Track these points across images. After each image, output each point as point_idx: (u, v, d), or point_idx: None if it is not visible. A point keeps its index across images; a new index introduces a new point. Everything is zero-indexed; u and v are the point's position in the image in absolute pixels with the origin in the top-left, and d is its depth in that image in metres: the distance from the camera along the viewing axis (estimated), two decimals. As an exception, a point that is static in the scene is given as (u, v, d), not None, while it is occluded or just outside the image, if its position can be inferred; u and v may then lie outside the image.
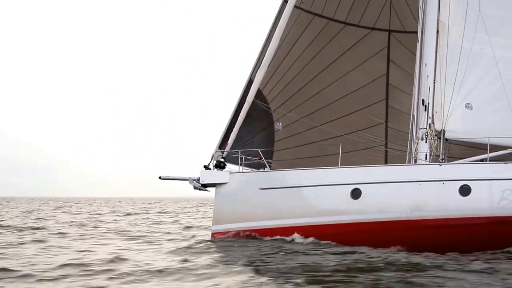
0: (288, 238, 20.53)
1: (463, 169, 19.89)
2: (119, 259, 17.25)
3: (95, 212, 58.41)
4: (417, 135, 21.62)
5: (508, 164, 19.77)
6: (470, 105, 21.94)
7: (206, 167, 22.22)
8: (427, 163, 20.87)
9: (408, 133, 22.26)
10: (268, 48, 22.93)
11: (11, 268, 15.04)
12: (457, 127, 21.82)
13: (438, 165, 20.06)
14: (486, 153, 21.14)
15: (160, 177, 23.21)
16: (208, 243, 20.94)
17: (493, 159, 20.97)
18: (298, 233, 20.48)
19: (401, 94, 24.65)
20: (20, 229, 29.91)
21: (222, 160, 22.27)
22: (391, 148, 24.97)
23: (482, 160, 20.82)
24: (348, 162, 23.25)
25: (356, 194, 20.06)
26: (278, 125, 24.20)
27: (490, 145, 21.19)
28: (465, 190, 19.22)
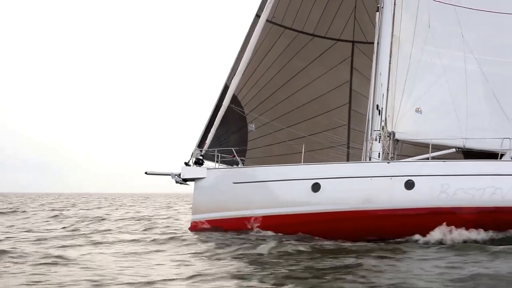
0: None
1: (408, 166, 22.55)
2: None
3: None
4: (372, 136, 24.22)
5: (447, 162, 22.53)
6: (420, 110, 24.61)
7: (187, 164, 24.75)
8: (378, 160, 23.54)
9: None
10: (243, 58, 25.50)
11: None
12: (408, 129, 24.47)
13: (386, 162, 22.77)
14: (437, 152, 24.05)
15: (146, 172, 25.90)
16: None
17: (438, 158, 23.77)
18: (265, 222, 23.14)
19: (362, 98, 27.03)
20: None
21: (201, 157, 24.79)
22: (353, 147, 27.56)
23: (426, 158, 23.49)
24: (314, 160, 25.93)
25: (316, 187, 22.55)
26: (251, 126, 26.79)
27: (439, 145, 24.07)
28: (409, 185, 21.80)
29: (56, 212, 45.46)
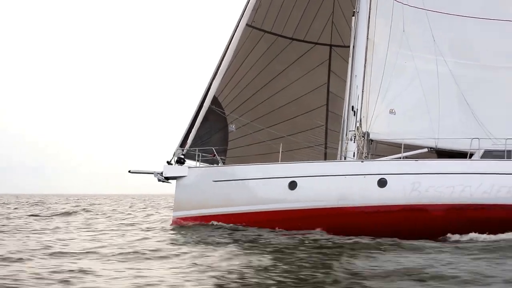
0: None
1: (381, 165, 23.56)
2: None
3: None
4: (347, 136, 25.19)
5: (418, 161, 23.54)
6: (393, 111, 25.56)
7: (169, 163, 25.69)
8: (353, 159, 24.47)
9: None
10: (223, 61, 26.47)
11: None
12: (382, 130, 25.42)
13: (360, 161, 23.73)
14: (411, 152, 24.99)
15: (129, 171, 26.75)
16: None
17: (411, 157, 24.71)
18: (244, 218, 24.01)
19: (340, 100, 27.83)
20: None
21: (182, 156, 25.79)
22: (330, 147, 28.47)
23: (399, 158, 24.43)
24: (294, 159, 26.87)
25: (292, 185, 23.54)
26: (232, 127, 27.69)
27: (412, 145, 25.02)
28: (382, 183, 22.81)
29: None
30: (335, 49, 29.20)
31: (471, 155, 23.91)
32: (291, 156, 27.10)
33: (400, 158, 24.16)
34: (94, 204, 70.49)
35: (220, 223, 24.39)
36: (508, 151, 23.33)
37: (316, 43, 29.13)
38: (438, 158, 25.52)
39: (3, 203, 73.24)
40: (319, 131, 29.11)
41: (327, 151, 28.85)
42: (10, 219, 34.34)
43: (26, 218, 35.97)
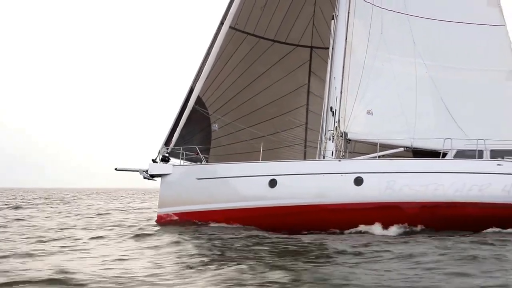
0: None
1: (357, 164, 24.42)
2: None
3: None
4: (326, 136, 26.05)
5: (393, 160, 24.46)
6: (371, 112, 26.43)
7: (154, 161, 26.41)
8: (331, 158, 25.34)
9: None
10: (207, 62, 27.14)
11: None
12: (360, 130, 26.25)
13: (338, 160, 24.61)
14: (387, 151, 25.89)
15: (116, 169, 27.51)
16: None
17: (388, 156, 25.61)
18: (226, 215, 24.84)
19: (320, 100, 28.59)
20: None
21: (167, 155, 26.50)
22: (310, 146, 29.34)
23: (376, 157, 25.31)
24: (275, 158, 27.77)
25: (272, 183, 24.31)
26: (215, 126, 28.48)
27: (390, 144, 25.92)
28: (358, 181, 23.64)
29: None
30: (316, 51, 30.09)
31: (445, 154, 24.81)
32: (272, 155, 27.98)
33: (376, 157, 25.00)
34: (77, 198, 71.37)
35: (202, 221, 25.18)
36: (480, 151, 24.26)
37: (297, 45, 30.02)
38: (414, 157, 26.41)
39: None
40: (299, 131, 30.00)
41: (307, 150, 29.72)
42: None
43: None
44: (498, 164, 23.61)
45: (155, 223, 26.45)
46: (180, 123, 26.95)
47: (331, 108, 26.24)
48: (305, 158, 29.51)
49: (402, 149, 26.09)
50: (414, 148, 26.19)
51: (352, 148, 26.99)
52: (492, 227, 22.95)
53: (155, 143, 27.15)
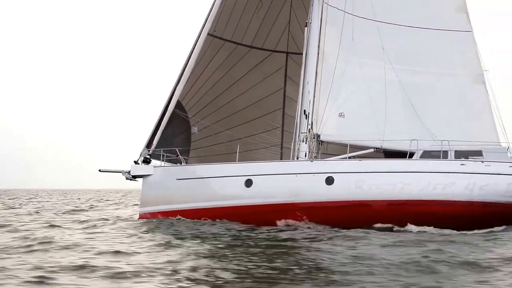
0: None
1: (328, 164, 25.61)
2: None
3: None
4: (299, 137, 27.28)
5: (362, 160, 25.64)
6: (343, 114, 27.65)
7: (136, 162, 27.56)
8: (304, 159, 26.56)
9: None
10: (186, 68, 28.32)
11: None
12: (332, 132, 27.44)
13: (310, 161, 25.85)
14: (358, 152, 27.06)
15: (99, 170, 28.62)
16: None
17: (359, 157, 26.76)
18: (204, 213, 26.01)
19: (295, 103, 29.65)
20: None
21: (148, 156, 27.66)
22: (286, 148, 30.54)
23: (350, 157, 26.48)
24: (252, 159, 28.99)
25: (248, 183, 25.50)
26: (194, 129, 29.75)
27: (362, 146, 27.09)
28: (329, 181, 24.81)
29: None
30: (291, 56, 31.34)
31: (412, 155, 26.03)
32: (249, 156, 29.23)
33: (346, 158, 26.20)
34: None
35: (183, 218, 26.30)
36: (444, 152, 25.43)
37: (274, 51, 31.32)
38: (385, 157, 27.59)
39: None
40: (275, 133, 31.28)
41: (284, 151, 30.96)
42: None
43: None
44: (461, 164, 24.72)
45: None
46: (161, 126, 28.07)
47: (304, 111, 27.43)
48: (281, 159, 30.71)
49: (372, 150, 27.24)
50: (384, 149, 27.36)
51: (325, 149, 28.14)
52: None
53: (139, 145, 28.24)
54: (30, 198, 77.72)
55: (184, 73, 28.32)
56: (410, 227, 23.75)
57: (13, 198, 77.18)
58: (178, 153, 27.58)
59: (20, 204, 53.25)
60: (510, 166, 24.74)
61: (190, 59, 28.33)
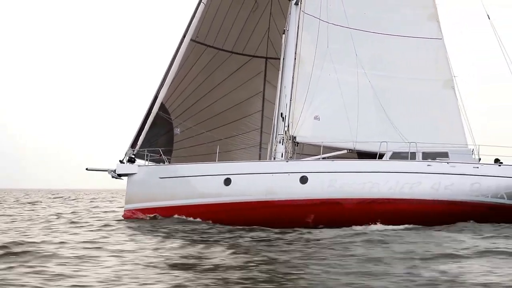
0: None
1: (303, 165, 26.92)
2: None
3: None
4: (276, 139, 28.64)
5: (334, 161, 27.00)
6: (318, 117, 28.96)
7: (121, 161, 28.70)
8: (280, 159, 27.89)
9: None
10: (170, 72, 29.53)
11: None
12: (308, 134, 28.80)
13: (285, 161, 27.20)
14: (333, 153, 28.34)
15: (87, 168, 29.82)
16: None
17: (333, 158, 28.05)
18: (186, 210, 27.26)
19: (273, 106, 30.96)
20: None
21: (133, 156, 28.81)
22: (264, 148, 31.75)
23: (324, 158, 27.78)
24: (232, 159, 30.35)
25: (227, 182, 26.77)
26: (177, 130, 31.07)
27: (333, 147, 28.40)
28: (304, 180, 26.13)
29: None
30: (270, 61, 32.78)
31: (382, 156, 27.42)
32: (229, 156, 30.62)
33: (319, 158, 27.50)
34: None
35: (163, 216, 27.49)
36: (412, 153, 26.85)
37: (254, 56, 32.76)
38: (359, 158, 28.90)
39: None
40: (255, 134, 32.67)
41: (262, 152, 32.30)
42: None
43: None
44: (428, 165, 26.14)
45: (122, 218, 28.73)
46: (145, 127, 29.26)
47: (281, 114, 28.82)
48: (260, 159, 32.05)
49: (345, 151, 28.55)
50: (356, 150, 28.73)
51: (301, 150, 29.49)
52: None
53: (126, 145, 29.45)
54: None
55: (168, 76, 29.51)
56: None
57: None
58: (161, 153, 28.75)
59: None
60: (473, 167, 26.14)
61: (174, 63, 29.53)
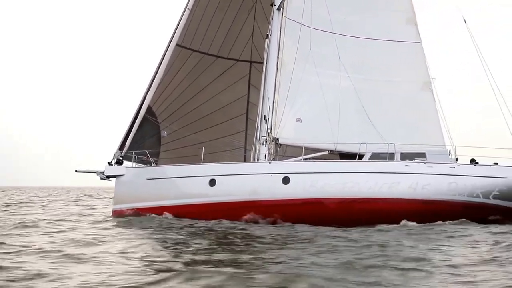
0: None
1: (285, 166, 27.68)
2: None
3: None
4: (260, 141, 29.47)
5: (316, 162, 27.73)
6: (300, 119, 29.78)
7: (109, 163, 29.46)
8: (263, 161, 28.70)
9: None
10: (156, 76, 30.37)
11: None
12: (290, 136, 29.61)
13: (268, 162, 28.03)
14: (315, 154, 29.12)
15: (76, 170, 30.56)
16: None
17: (315, 159, 28.84)
18: (172, 210, 27.98)
19: (257, 109, 32.05)
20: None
21: (121, 158, 29.57)
22: (249, 150, 32.39)
23: (306, 159, 28.57)
24: (217, 160, 31.09)
25: (212, 183, 27.56)
26: (164, 133, 31.89)
27: (315, 148, 29.20)
28: (286, 180, 26.92)
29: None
30: (255, 65, 33.67)
31: (362, 156, 28.25)
32: (214, 158, 31.39)
33: (301, 159, 28.32)
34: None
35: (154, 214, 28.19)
36: (391, 154, 27.63)
37: (238, 60, 33.66)
38: (341, 159, 29.68)
39: None
40: (240, 136, 33.50)
41: (247, 154, 33.10)
42: None
43: None
44: (406, 165, 26.88)
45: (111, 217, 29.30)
46: (132, 130, 30.07)
47: (264, 116, 29.61)
48: (245, 161, 32.86)
49: (326, 152, 29.39)
50: (338, 151, 29.54)
51: (284, 151, 30.31)
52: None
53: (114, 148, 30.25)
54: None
55: (155, 80, 30.34)
56: None
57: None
58: (148, 155, 29.56)
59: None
60: (450, 167, 26.97)
61: (160, 67, 30.38)
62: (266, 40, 30.64)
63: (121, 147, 30.19)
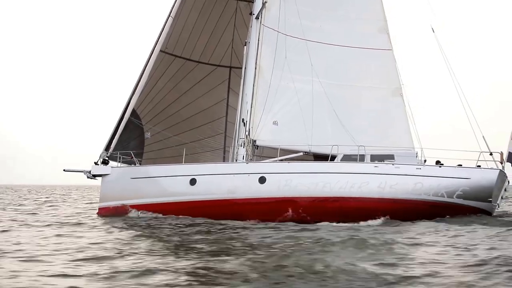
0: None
1: (261, 166, 29.03)
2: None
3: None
4: (238, 143, 30.82)
5: (290, 163, 28.97)
6: (276, 122, 31.12)
7: (96, 163, 30.58)
8: (241, 161, 29.99)
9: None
10: (141, 80, 31.64)
11: None
12: (267, 138, 30.92)
13: (246, 163, 29.35)
14: (290, 155, 30.48)
15: (64, 170, 31.69)
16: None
17: (290, 160, 30.16)
18: (155, 208, 29.35)
19: (236, 112, 33.25)
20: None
21: (107, 158, 30.75)
22: (228, 151, 33.90)
23: (281, 160, 29.93)
24: (198, 161, 32.46)
25: (193, 182, 28.80)
26: (147, 134, 33.22)
27: (290, 150, 30.57)
28: (262, 180, 28.24)
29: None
30: (234, 70, 35.16)
31: (334, 158, 29.58)
32: (195, 158, 32.76)
33: (277, 160, 29.69)
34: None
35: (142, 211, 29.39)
36: (362, 155, 29.00)
37: (218, 65, 35.15)
38: (315, 160, 30.95)
39: None
40: (219, 138, 34.94)
41: (226, 155, 34.50)
42: None
43: None
44: (375, 166, 28.24)
45: (97, 215, 30.62)
46: (118, 131, 31.25)
47: (243, 119, 30.95)
48: (224, 161, 34.23)
49: (301, 153, 30.78)
50: (312, 153, 30.91)
51: (261, 153, 31.66)
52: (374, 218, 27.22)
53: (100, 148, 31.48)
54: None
55: (139, 85, 31.60)
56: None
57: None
58: (133, 156, 30.79)
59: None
60: (416, 168, 28.35)
61: (144, 72, 31.65)
62: (245, 47, 31.95)
63: (107, 148, 31.26)
